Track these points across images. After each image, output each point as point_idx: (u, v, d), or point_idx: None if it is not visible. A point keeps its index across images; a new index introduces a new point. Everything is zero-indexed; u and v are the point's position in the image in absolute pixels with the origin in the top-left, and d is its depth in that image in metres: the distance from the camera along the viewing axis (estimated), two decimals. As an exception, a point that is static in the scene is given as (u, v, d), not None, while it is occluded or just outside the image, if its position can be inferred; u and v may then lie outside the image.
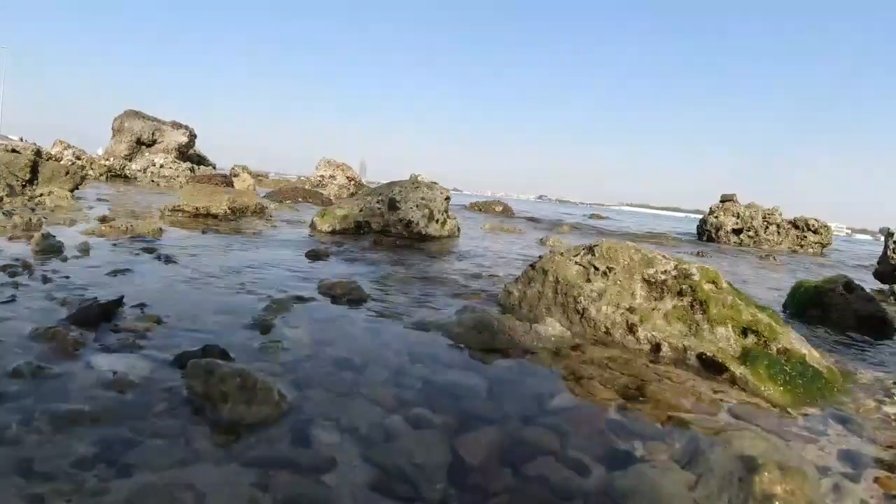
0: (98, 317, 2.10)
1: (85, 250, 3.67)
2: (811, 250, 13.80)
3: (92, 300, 2.19)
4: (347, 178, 15.62)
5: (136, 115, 17.95)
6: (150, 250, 3.94)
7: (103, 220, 5.40)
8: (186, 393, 1.63)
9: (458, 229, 7.32)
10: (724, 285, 2.78)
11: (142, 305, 2.44)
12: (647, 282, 2.83)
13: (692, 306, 2.68)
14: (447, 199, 7.01)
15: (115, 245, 4.09)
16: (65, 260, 3.34)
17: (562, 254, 3.19)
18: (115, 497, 1.20)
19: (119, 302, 2.29)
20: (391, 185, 6.88)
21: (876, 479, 1.58)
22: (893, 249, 7.17)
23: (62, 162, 8.74)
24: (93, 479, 1.26)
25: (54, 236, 3.66)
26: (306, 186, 14.95)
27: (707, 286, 2.71)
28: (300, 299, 2.94)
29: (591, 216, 23.42)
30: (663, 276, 2.80)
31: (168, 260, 3.68)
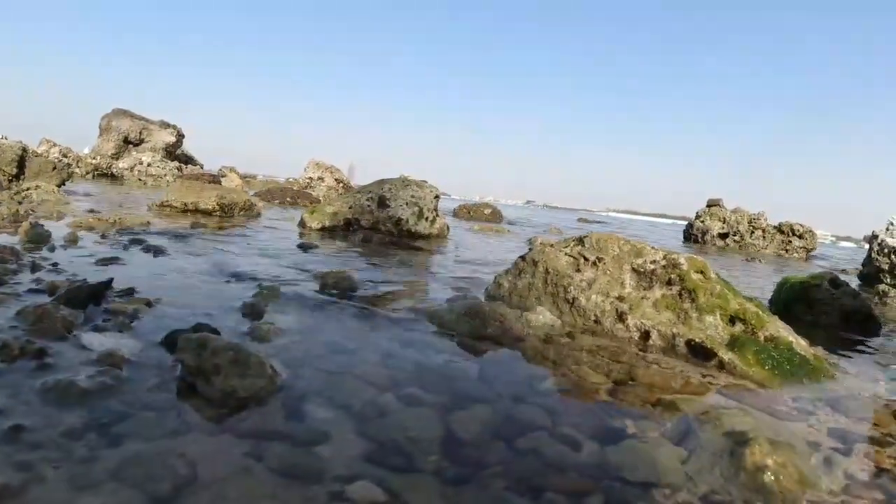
0: (87, 298, 2.08)
1: (73, 240, 3.63)
2: (796, 255, 13.95)
3: (81, 281, 2.17)
4: (336, 180, 15.55)
5: (124, 113, 17.77)
6: (138, 241, 3.91)
7: (91, 212, 5.34)
8: (178, 368, 1.62)
9: (448, 228, 7.33)
10: (712, 275, 2.80)
11: (131, 290, 2.42)
12: (637, 271, 2.85)
13: (681, 295, 2.70)
14: (436, 197, 7.01)
15: (103, 236, 4.05)
16: (53, 249, 3.30)
17: (552, 245, 3.21)
18: (105, 464, 1.19)
19: (108, 284, 2.27)
20: (381, 182, 6.87)
21: (866, 455, 1.60)
22: (878, 251, 7.28)
23: (49, 159, 8.63)
24: (82, 448, 1.24)
25: (42, 226, 3.62)
26: (295, 188, 14.87)
27: (695, 276, 2.74)
28: (291, 287, 2.93)
29: (579, 220, 23.48)
30: (652, 266, 2.83)
31: (157, 251, 3.65)
